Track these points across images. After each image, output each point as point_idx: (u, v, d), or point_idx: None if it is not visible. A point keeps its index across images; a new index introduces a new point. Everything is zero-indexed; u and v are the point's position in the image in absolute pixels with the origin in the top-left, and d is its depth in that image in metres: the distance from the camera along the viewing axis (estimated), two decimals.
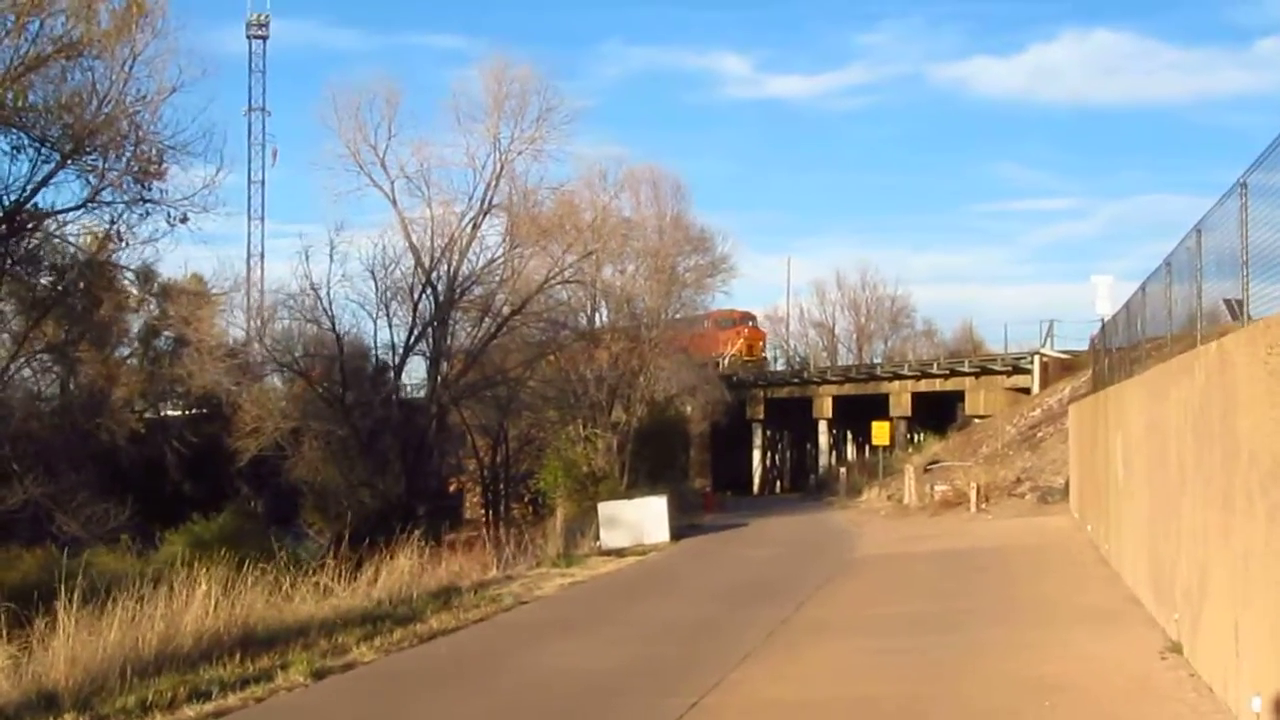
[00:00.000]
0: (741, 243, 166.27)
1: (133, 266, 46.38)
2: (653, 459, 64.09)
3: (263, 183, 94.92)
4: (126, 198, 38.07)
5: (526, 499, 67.88)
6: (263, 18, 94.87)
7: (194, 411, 58.88)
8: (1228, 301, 14.28)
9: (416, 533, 28.87)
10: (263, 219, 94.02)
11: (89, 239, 42.15)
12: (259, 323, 54.30)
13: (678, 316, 71.77)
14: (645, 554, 37.57)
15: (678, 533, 41.59)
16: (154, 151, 37.19)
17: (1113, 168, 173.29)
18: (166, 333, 55.18)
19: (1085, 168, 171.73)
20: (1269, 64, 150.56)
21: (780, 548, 38.03)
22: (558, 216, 57.72)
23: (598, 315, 67.01)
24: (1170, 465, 16.14)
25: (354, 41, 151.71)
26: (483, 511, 66.89)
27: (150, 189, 38.20)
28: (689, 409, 75.75)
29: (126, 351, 58.87)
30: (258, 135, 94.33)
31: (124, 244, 41.31)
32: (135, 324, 57.47)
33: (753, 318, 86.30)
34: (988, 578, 26.07)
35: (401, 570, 25.77)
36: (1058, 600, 21.48)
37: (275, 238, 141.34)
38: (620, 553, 37.37)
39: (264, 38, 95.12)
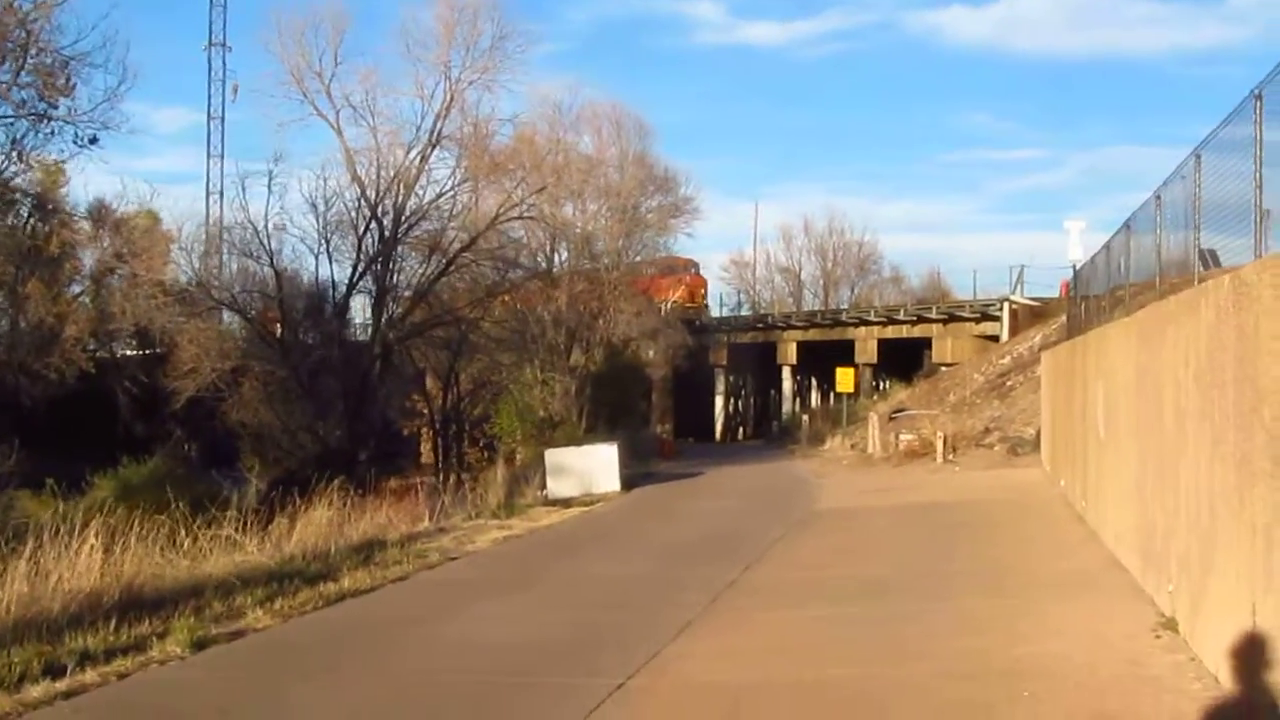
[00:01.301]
0: (710, 188, 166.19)
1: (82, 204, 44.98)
2: (612, 404, 62.70)
3: (222, 119, 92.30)
4: (29, 113, 36.03)
5: (482, 443, 66.17)
6: None
7: (148, 352, 56.78)
8: (1203, 252, 13.63)
9: (336, 481, 26.67)
10: (222, 156, 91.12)
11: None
12: (197, 259, 51.75)
13: (638, 259, 70.39)
14: (592, 505, 35.57)
15: (630, 482, 39.71)
16: (54, 62, 35.00)
17: (1084, 119, 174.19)
18: (120, 270, 53.02)
19: (1056, 119, 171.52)
20: (1245, 18, 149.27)
21: (735, 499, 36.12)
22: (512, 151, 55.53)
23: (556, 256, 65.32)
24: (1165, 418, 14.18)
25: None
26: (456, 455, 65.23)
27: (57, 106, 36.22)
28: (651, 353, 74.35)
29: (78, 289, 56.92)
30: (218, 71, 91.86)
31: (26, 165, 39.31)
32: (88, 260, 55.66)
33: (695, 265, 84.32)
34: (955, 537, 24.01)
35: (318, 522, 23.65)
36: (1032, 564, 19.53)
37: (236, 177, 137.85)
38: (567, 503, 35.43)
39: None
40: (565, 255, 66.02)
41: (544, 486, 37.24)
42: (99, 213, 52.08)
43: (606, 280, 65.66)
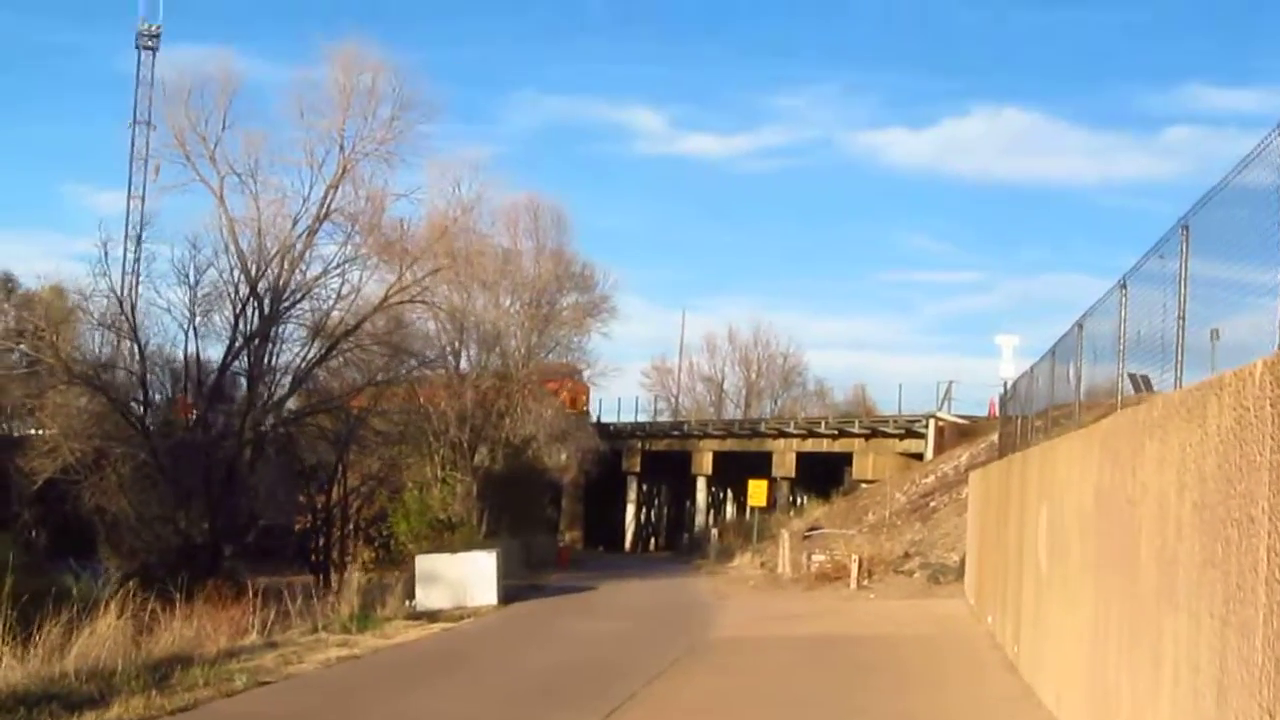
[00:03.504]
0: (641, 297, 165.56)
1: None
2: (515, 508, 59.06)
3: (143, 199, 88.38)
4: None
5: (377, 543, 62.15)
6: (154, 28, 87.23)
7: (35, 431, 53.02)
8: (1133, 376, 12.71)
9: (131, 583, 22.76)
10: (140, 236, 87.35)
11: None
12: (54, 332, 47.07)
13: (549, 356, 67.65)
14: (460, 620, 31.79)
15: (511, 594, 36.08)
16: None
17: (1017, 244, 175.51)
18: (20, 346, 49.13)
19: (990, 243, 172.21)
20: (1175, 152, 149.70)
21: (622, 621, 32.33)
22: (419, 236, 51.82)
23: (465, 351, 62.05)
24: (1143, 560, 10.65)
25: (260, 70, 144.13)
26: (335, 554, 61.20)
27: None
28: (564, 456, 71.38)
29: None
30: (141, 150, 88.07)
31: None
32: None
33: (578, 372, 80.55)
34: (862, 684, 20.19)
35: (101, 634, 19.57)
36: None
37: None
38: (434, 616, 31.68)
39: (153, 49, 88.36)
40: (474, 351, 62.82)
41: (413, 596, 33.46)
42: (5, 286, 49.24)
43: (515, 378, 62.65)
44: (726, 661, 24.14)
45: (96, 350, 48.06)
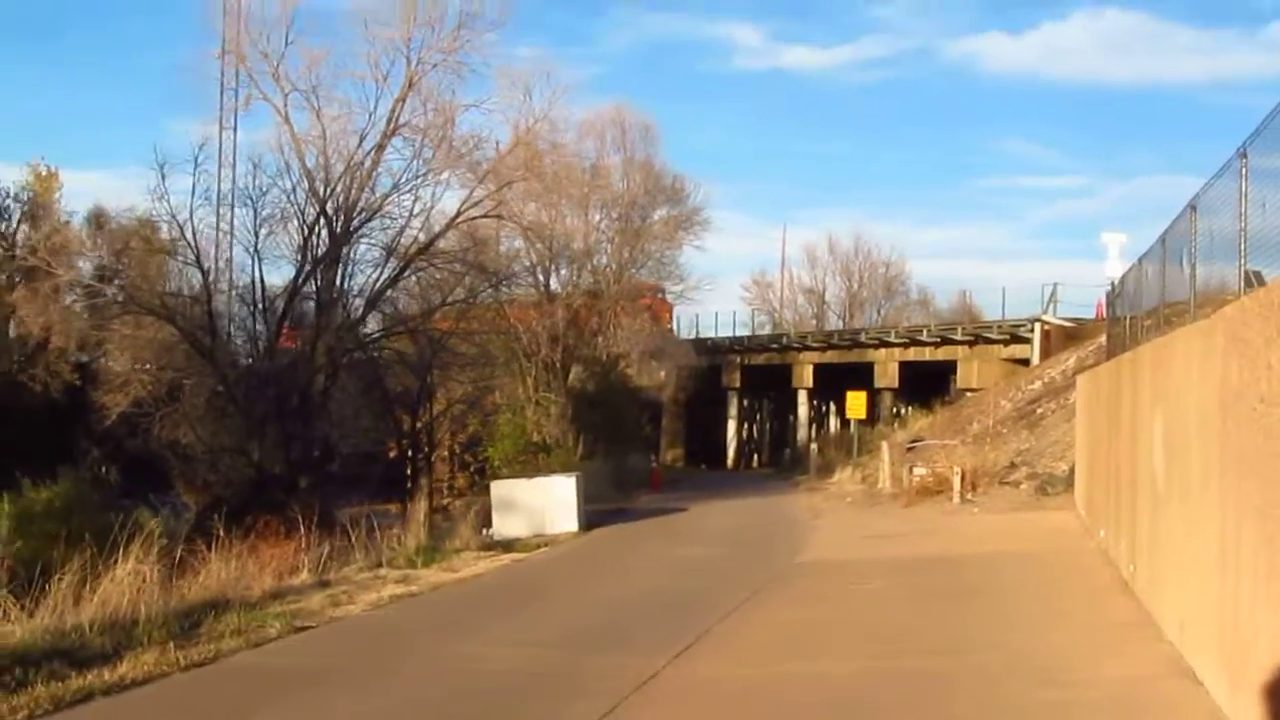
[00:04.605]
0: (742, 211, 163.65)
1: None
2: (611, 428, 57.67)
3: (235, 128, 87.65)
4: None
5: (472, 468, 60.99)
6: None
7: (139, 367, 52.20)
8: (1247, 273, 11.16)
9: (152, 523, 21.12)
10: (234, 165, 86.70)
11: None
12: (114, 257, 45.63)
13: (641, 271, 65.97)
14: (535, 550, 30.09)
15: (594, 519, 34.60)
16: None
17: (1121, 147, 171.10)
18: (119, 280, 47.95)
19: (1094, 147, 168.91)
20: None
21: (707, 546, 30.45)
22: (484, 145, 49.41)
23: (554, 269, 60.43)
24: None
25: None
26: (447, 482, 60.14)
27: None
28: (661, 374, 70.03)
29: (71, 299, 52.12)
30: (230, 80, 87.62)
31: None
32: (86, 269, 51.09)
33: (661, 290, 78.45)
34: (962, 612, 18.07)
35: (120, 580, 17.79)
36: (1067, 664, 13.77)
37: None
38: (509, 546, 29.99)
39: None
40: (564, 268, 61.33)
41: (489, 525, 31.85)
42: (98, 221, 50.98)
43: (607, 294, 61.05)
44: (812, 590, 22.20)
45: (179, 281, 46.69)
